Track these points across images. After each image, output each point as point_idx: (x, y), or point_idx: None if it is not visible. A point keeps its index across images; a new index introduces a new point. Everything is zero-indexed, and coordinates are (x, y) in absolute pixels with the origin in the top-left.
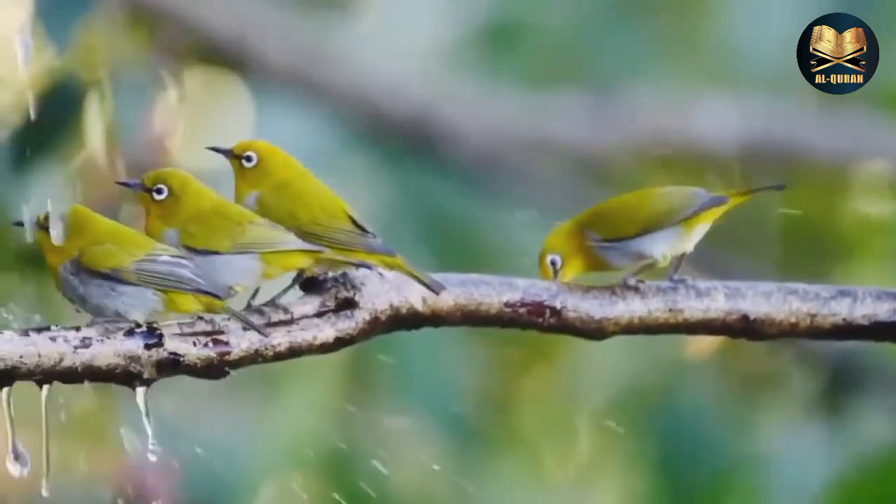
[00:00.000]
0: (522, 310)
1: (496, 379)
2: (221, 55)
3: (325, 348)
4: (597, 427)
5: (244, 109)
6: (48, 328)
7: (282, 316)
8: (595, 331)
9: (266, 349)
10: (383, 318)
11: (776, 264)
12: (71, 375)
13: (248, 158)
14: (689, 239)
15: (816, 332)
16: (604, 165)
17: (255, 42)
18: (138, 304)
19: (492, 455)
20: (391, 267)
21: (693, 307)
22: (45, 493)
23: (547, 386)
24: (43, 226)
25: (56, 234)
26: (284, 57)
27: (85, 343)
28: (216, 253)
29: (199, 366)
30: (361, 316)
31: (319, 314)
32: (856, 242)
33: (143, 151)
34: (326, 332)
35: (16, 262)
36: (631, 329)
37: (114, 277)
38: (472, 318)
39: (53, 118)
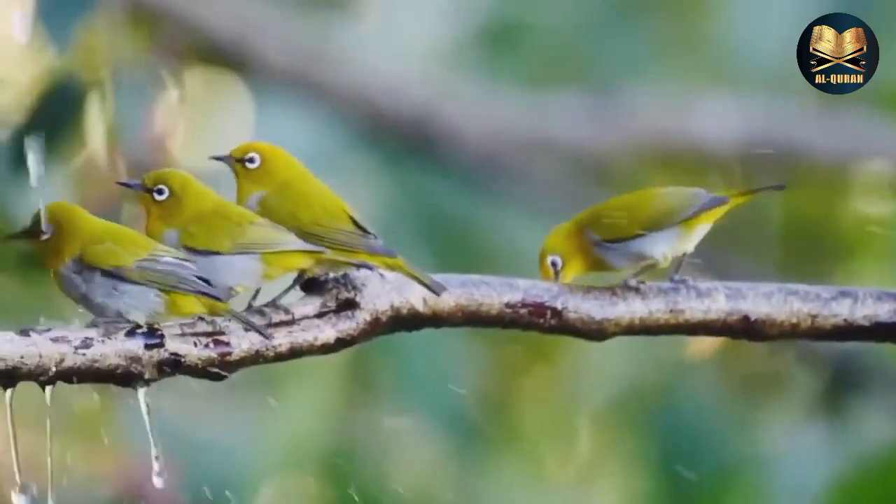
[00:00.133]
0: (523, 311)
1: (496, 379)
2: (221, 55)
3: (325, 349)
4: (597, 427)
5: (244, 109)
6: (49, 329)
7: (283, 317)
8: (596, 332)
9: (267, 350)
10: (384, 318)
11: (777, 265)
12: (72, 376)
13: (251, 160)
14: (690, 239)
15: (817, 332)
16: (604, 165)
17: (255, 42)
18: (140, 304)
19: (492, 455)
20: (392, 268)
21: (694, 308)
22: (50, 503)
23: (547, 386)
24: (33, 230)
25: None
26: (284, 57)
27: (86, 343)
28: (217, 253)
29: (200, 366)
30: (362, 317)
31: (320, 315)
32: (856, 243)
33: (143, 151)
34: (327, 332)
35: (16, 263)
36: (632, 330)
37: (116, 275)
38: (472, 319)
39: (54, 118)
